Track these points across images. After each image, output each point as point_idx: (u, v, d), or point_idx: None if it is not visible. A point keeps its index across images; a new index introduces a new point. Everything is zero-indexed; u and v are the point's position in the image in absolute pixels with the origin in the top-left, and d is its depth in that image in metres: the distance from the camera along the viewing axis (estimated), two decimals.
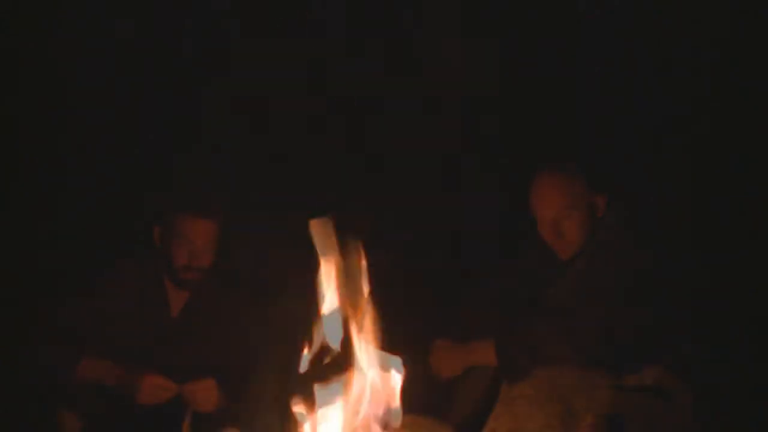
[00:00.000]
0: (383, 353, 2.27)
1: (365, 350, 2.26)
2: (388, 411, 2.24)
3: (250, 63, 3.74)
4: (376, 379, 2.25)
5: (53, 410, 2.70)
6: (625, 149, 3.45)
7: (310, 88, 3.77)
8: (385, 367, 2.26)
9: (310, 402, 2.24)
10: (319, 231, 2.23)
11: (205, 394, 2.76)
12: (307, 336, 2.26)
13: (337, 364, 2.26)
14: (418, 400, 2.38)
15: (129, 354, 2.80)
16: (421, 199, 3.84)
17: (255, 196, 3.70)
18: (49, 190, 3.60)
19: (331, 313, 2.24)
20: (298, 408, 2.26)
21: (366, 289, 2.26)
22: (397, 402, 2.25)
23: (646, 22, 3.54)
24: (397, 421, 2.24)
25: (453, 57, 3.78)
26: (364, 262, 2.26)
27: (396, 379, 2.25)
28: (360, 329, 2.25)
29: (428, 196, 3.85)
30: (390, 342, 2.31)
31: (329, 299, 2.25)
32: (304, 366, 2.26)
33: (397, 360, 2.27)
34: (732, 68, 3.42)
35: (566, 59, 3.67)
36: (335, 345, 2.24)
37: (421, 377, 2.44)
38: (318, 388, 2.22)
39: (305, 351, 2.25)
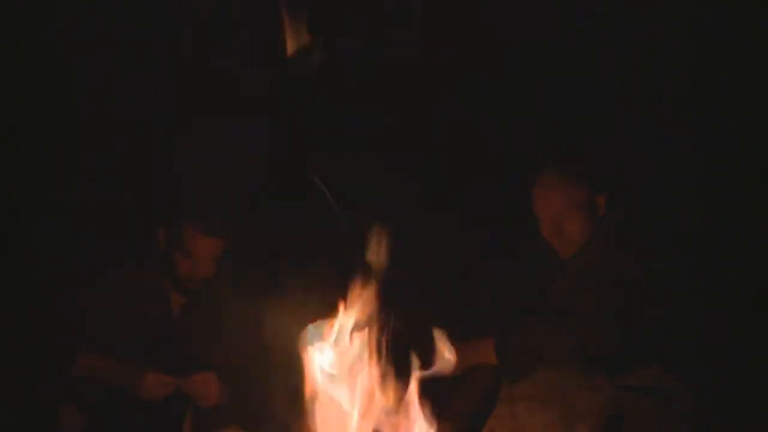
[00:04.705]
0: None
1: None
2: None
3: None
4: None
5: (55, 405, 2.70)
6: (625, 149, 3.45)
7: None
8: None
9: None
10: None
11: (205, 387, 2.76)
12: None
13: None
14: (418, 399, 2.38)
15: (130, 352, 2.80)
16: (421, 198, 3.85)
17: (258, 196, 3.70)
18: (52, 189, 3.60)
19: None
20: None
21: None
22: None
23: (648, 21, 3.54)
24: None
25: (452, 56, 3.78)
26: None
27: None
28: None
29: (427, 195, 3.85)
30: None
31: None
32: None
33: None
34: (733, 68, 3.42)
35: (567, 58, 3.67)
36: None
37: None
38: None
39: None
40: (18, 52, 3.56)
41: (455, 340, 2.74)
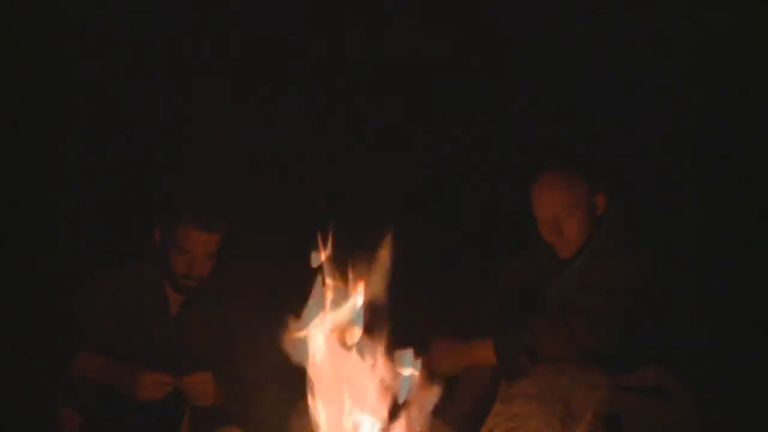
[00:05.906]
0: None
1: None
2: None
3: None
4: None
5: (52, 406, 2.70)
6: (625, 149, 3.45)
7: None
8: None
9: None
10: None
11: (203, 387, 2.75)
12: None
13: None
14: None
15: (127, 352, 2.80)
16: (421, 198, 3.85)
17: (254, 196, 3.70)
18: (50, 189, 3.61)
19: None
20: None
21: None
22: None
23: (647, 23, 3.54)
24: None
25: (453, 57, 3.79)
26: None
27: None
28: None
29: (428, 195, 3.85)
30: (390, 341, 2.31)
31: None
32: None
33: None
34: (733, 68, 3.42)
35: (568, 59, 3.67)
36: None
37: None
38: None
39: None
40: (18, 52, 3.56)
41: (455, 340, 2.76)
